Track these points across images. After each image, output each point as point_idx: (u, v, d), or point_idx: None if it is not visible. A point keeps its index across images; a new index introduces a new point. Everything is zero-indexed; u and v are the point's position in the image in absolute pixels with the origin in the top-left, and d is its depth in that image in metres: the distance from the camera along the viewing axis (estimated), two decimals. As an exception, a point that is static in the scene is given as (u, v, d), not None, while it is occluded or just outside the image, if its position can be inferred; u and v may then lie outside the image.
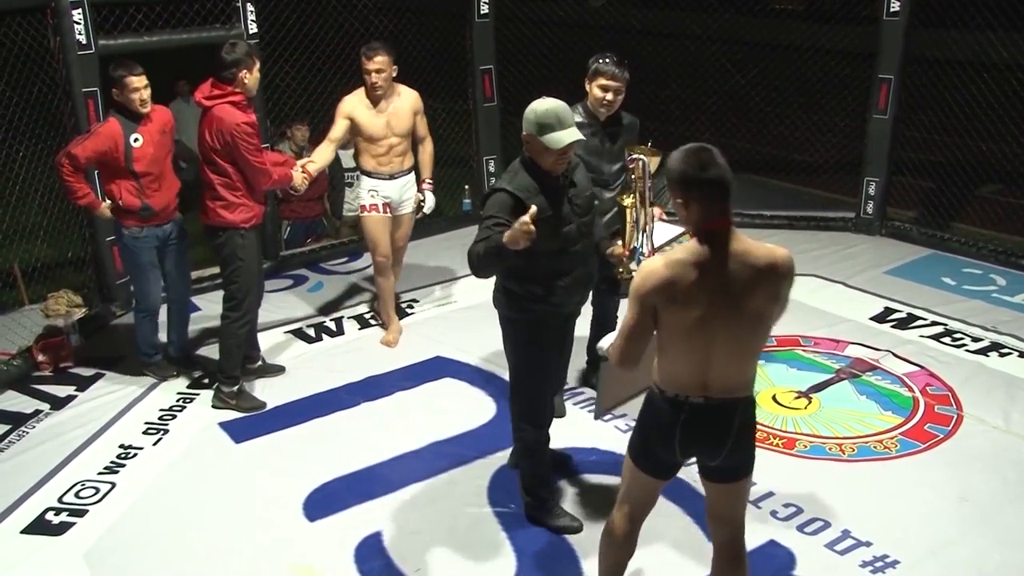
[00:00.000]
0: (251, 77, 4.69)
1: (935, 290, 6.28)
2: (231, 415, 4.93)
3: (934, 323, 5.77)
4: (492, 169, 7.64)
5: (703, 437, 2.89)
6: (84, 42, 5.60)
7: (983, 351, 5.40)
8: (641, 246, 4.09)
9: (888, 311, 5.97)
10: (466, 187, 7.77)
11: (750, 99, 9.07)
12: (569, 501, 4.11)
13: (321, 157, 5.41)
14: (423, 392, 5.16)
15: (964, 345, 5.48)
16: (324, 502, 4.18)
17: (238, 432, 4.77)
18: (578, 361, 4.70)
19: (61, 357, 5.45)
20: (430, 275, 6.67)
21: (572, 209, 3.61)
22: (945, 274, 6.54)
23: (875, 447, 4.48)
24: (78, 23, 5.57)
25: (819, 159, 8.32)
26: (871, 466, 4.34)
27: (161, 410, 4.98)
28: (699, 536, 3.81)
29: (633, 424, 3.11)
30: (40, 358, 5.41)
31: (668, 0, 8.88)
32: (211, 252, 5.13)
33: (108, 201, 4.93)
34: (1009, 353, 5.36)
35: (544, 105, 3.47)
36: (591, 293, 4.11)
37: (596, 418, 3.42)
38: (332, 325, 6.02)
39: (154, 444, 4.68)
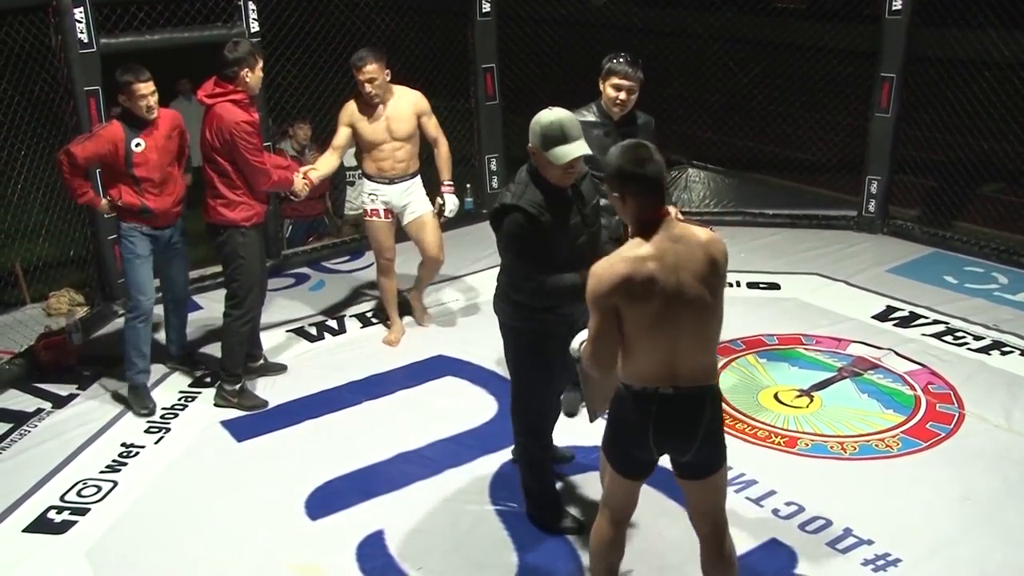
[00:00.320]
0: (253, 76, 4.70)
1: (937, 288, 6.28)
2: (233, 413, 4.93)
3: (936, 321, 5.76)
4: (494, 168, 7.65)
5: (675, 429, 2.90)
6: (86, 41, 5.61)
7: (985, 350, 5.39)
8: None
9: (890, 309, 5.97)
10: (468, 186, 7.77)
11: (752, 97, 9.06)
12: (570, 500, 4.11)
13: (324, 166, 5.41)
14: (425, 391, 5.16)
15: (966, 344, 5.47)
16: (326, 501, 4.18)
17: (240, 431, 4.78)
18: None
19: (63, 356, 5.45)
20: (432, 274, 6.67)
21: (583, 220, 3.55)
22: (947, 272, 6.54)
23: (877, 446, 4.48)
24: (80, 22, 5.58)
25: (821, 158, 8.31)
26: (873, 465, 4.34)
27: (163, 409, 4.98)
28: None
29: None
30: (42, 357, 5.42)
31: (670, -2, 8.89)
32: (213, 250, 5.13)
33: (107, 200, 4.90)
34: (1011, 352, 5.35)
35: (549, 117, 3.38)
36: None
37: (591, 421, 3.41)
38: (334, 324, 6.03)
39: (156, 443, 4.69)
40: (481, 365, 5.33)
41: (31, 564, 3.83)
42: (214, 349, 5.29)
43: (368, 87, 5.16)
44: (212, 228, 4.85)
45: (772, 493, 4.13)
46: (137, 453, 4.60)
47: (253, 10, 6.23)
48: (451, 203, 5.55)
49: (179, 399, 5.11)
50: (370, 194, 5.47)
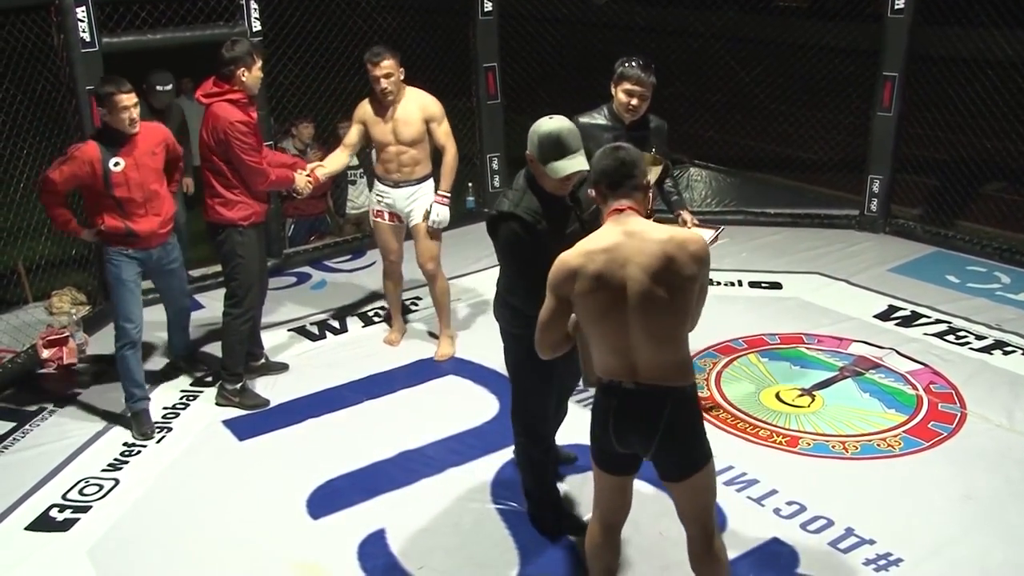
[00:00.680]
0: (250, 75, 4.69)
1: (939, 288, 6.27)
2: (235, 413, 4.94)
3: (938, 321, 5.76)
4: (496, 167, 7.65)
5: (634, 425, 2.91)
6: (88, 40, 5.62)
7: (987, 349, 5.39)
8: None
9: (892, 309, 5.97)
10: (469, 185, 7.77)
11: (754, 96, 9.05)
12: (572, 501, 4.11)
13: (333, 163, 5.37)
14: (426, 390, 5.16)
15: (968, 343, 5.47)
16: (328, 500, 4.18)
17: (242, 430, 4.78)
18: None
19: (65, 354, 5.45)
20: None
21: (582, 226, 3.53)
22: (949, 272, 6.53)
23: (878, 445, 4.48)
24: (82, 21, 5.59)
25: (823, 157, 8.31)
26: (874, 464, 4.34)
27: (165, 408, 4.99)
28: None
29: None
30: (44, 355, 5.42)
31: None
32: (213, 250, 5.13)
33: (90, 229, 4.68)
34: (1013, 351, 5.35)
35: (546, 127, 3.33)
36: None
37: (585, 387, 3.37)
38: (335, 323, 6.03)
39: (157, 442, 4.69)
40: (482, 364, 5.33)
41: (33, 562, 3.84)
42: (215, 348, 5.30)
43: (384, 83, 5.04)
44: (211, 227, 4.86)
45: (773, 492, 4.13)
46: (139, 452, 4.60)
47: (255, 9, 6.23)
48: (437, 214, 5.26)
49: (180, 398, 5.11)
50: (377, 195, 5.44)
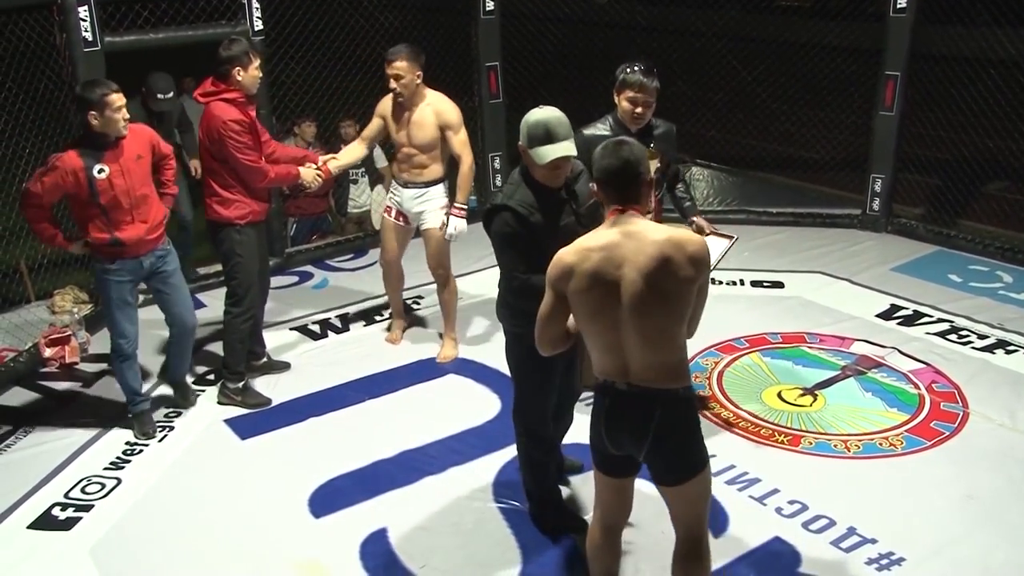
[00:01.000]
0: (246, 74, 4.69)
1: (941, 287, 6.27)
2: (236, 412, 4.94)
3: (940, 320, 5.76)
4: (497, 166, 7.65)
5: (623, 426, 2.90)
6: (90, 39, 5.61)
7: (989, 348, 5.38)
8: None
9: (894, 308, 5.96)
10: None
11: (756, 96, 9.05)
12: (573, 499, 4.11)
13: (348, 155, 5.36)
14: (428, 389, 5.16)
15: (970, 342, 5.46)
16: (329, 499, 4.18)
17: (243, 429, 4.79)
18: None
19: (67, 353, 5.46)
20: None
21: (577, 220, 3.53)
22: (951, 271, 6.53)
23: (880, 444, 4.47)
24: (84, 20, 5.58)
25: (825, 156, 8.31)
26: (876, 463, 4.33)
27: (167, 407, 4.99)
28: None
29: None
30: (46, 354, 5.43)
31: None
32: (214, 249, 5.13)
33: (77, 241, 4.51)
34: (1015, 350, 5.34)
35: (536, 116, 3.36)
36: None
37: (582, 384, 3.38)
38: (337, 322, 6.03)
39: (159, 440, 4.69)
40: (484, 363, 5.33)
41: (36, 561, 3.84)
42: (217, 347, 5.30)
43: (393, 83, 4.99)
44: (210, 226, 4.88)
45: (775, 492, 4.12)
46: (141, 451, 4.60)
47: (257, 8, 6.23)
48: (454, 227, 5.17)
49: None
50: (391, 192, 5.44)
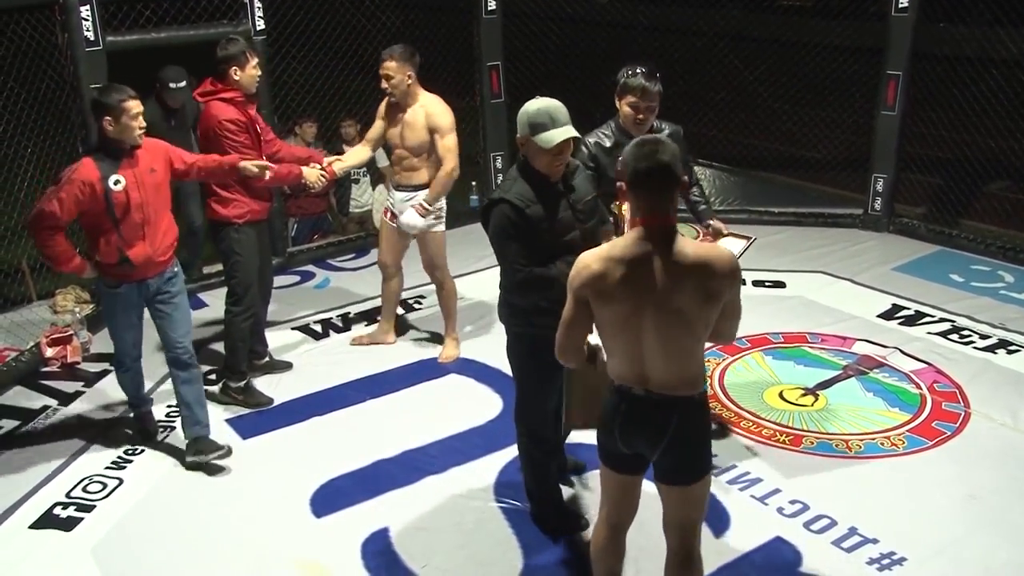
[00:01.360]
0: (244, 74, 4.71)
1: (943, 287, 6.27)
2: (238, 411, 4.94)
3: (942, 320, 5.75)
4: (499, 165, 7.65)
5: (641, 430, 2.88)
6: (92, 39, 5.62)
7: (991, 348, 5.38)
8: None
9: (896, 308, 5.96)
10: (473, 183, 7.77)
11: (758, 95, 9.05)
12: (574, 498, 4.12)
13: (353, 157, 5.38)
14: (429, 388, 5.16)
15: (972, 342, 5.46)
16: (331, 498, 4.19)
17: (245, 428, 4.79)
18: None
19: (69, 353, 5.46)
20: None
21: (575, 215, 3.53)
22: (953, 271, 6.53)
23: (882, 444, 4.47)
24: (86, 20, 5.59)
25: (827, 155, 8.31)
26: (878, 463, 4.33)
27: (168, 406, 4.97)
28: (709, 544, 3.79)
29: None
30: (48, 354, 5.43)
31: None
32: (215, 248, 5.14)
33: (93, 262, 4.22)
34: (1017, 350, 5.34)
35: (536, 104, 3.39)
36: None
37: (564, 429, 3.40)
38: (339, 321, 6.03)
39: (161, 440, 4.69)
40: (485, 363, 5.33)
41: (37, 560, 3.84)
42: (219, 347, 5.30)
43: (384, 83, 4.99)
44: (211, 225, 4.89)
45: (777, 491, 4.12)
46: (142, 451, 4.60)
47: (259, 8, 6.23)
48: (408, 218, 5.10)
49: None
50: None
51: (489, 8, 7.25)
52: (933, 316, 5.81)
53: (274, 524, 4.02)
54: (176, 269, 4.38)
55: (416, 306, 6.17)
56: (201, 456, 4.38)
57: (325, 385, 5.18)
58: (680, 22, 9.26)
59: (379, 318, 5.78)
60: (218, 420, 4.85)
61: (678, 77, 8.43)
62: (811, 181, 8.54)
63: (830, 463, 4.34)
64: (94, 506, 4.17)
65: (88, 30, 5.60)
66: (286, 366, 5.39)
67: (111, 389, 5.15)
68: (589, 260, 2.80)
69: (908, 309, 5.93)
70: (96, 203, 4.02)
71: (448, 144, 5.06)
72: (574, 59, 9.13)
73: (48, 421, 4.90)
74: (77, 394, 5.16)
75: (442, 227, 5.30)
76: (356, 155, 5.42)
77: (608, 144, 4.19)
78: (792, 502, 4.05)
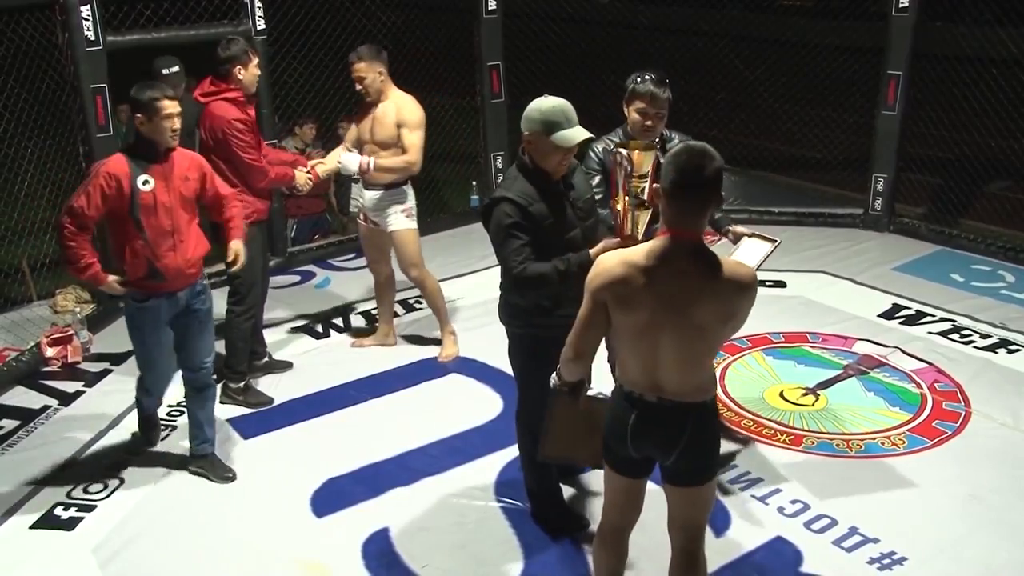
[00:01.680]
0: (246, 73, 4.71)
1: (943, 287, 6.27)
2: (239, 411, 4.94)
3: (942, 320, 5.75)
4: (500, 165, 7.64)
5: (654, 436, 2.86)
6: (92, 38, 5.62)
7: (991, 348, 5.38)
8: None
9: (896, 308, 5.96)
10: (473, 183, 7.78)
11: (758, 95, 9.05)
12: (575, 498, 4.11)
13: (334, 160, 5.37)
14: (430, 388, 5.16)
15: (972, 342, 5.46)
16: (332, 498, 4.19)
17: (246, 428, 4.79)
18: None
19: (69, 353, 5.46)
20: (437, 271, 6.64)
21: (575, 214, 3.53)
22: (954, 271, 6.53)
23: (883, 444, 4.47)
24: (86, 19, 5.59)
25: (827, 155, 8.31)
26: (878, 463, 4.33)
27: (169, 406, 4.98)
28: (710, 544, 3.79)
29: None
30: (49, 354, 5.44)
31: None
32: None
33: (114, 277, 4.05)
34: (1018, 350, 5.34)
35: (549, 103, 3.38)
36: None
37: (539, 458, 3.42)
38: (339, 321, 6.04)
39: (162, 439, 4.69)
40: (486, 363, 5.33)
41: (38, 560, 3.84)
42: (219, 347, 5.29)
43: (358, 85, 5.01)
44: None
45: (777, 491, 4.12)
46: (143, 451, 4.60)
47: (259, 8, 6.24)
48: (346, 160, 5.12)
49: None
50: (353, 196, 5.44)
51: (489, 8, 7.25)
52: (934, 316, 5.81)
53: (275, 524, 4.02)
54: (205, 283, 4.25)
55: (416, 306, 6.17)
56: (204, 475, 4.35)
57: (325, 385, 5.18)
58: (680, 22, 9.27)
59: (377, 324, 5.78)
60: (219, 420, 4.84)
61: (679, 77, 8.44)
62: (811, 181, 8.55)
63: (831, 463, 4.34)
64: (95, 506, 4.17)
65: (88, 30, 5.60)
66: (286, 366, 5.39)
67: (111, 389, 5.16)
68: (612, 263, 2.75)
69: (909, 309, 5.93)
70: (121, 200, 3.87)
71: (412, 139, 5.06)
72: (574, 59, 9.14)
73: (48, 421, 4.90)
74: (77, 394, 5.16)
75: (413, 225, 5.28)
76: (336, 158, 5.40)
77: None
78: (793, 502, 4.05)
